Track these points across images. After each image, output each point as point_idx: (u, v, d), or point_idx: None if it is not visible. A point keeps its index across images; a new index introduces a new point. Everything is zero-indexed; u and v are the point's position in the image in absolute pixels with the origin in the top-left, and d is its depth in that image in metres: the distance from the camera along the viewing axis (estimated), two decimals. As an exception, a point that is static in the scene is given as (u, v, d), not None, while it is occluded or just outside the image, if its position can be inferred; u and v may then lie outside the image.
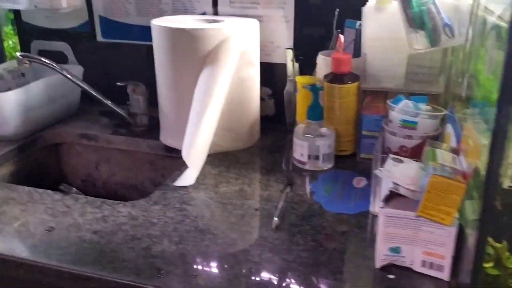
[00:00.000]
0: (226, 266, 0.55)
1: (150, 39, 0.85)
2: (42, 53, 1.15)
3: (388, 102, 0.74)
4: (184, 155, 0.76)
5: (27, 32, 1.14)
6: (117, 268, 0.54)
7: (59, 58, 1.11)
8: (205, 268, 0.55)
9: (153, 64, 0.87)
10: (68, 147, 1.01)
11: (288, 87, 0.95)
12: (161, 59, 0.85)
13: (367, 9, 0.78)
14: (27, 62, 0.88)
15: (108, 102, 0.97)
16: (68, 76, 0.92)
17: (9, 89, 1.05)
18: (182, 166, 0.78)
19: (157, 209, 0.67)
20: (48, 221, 0.64)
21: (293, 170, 0.81)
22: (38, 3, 0.99)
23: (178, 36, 0.81)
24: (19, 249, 0.58)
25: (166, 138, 0.91)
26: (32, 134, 0.95)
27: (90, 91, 0.95)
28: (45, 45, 1.13)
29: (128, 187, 1.02)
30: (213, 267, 0.55)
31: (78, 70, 1.06)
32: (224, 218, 0.66)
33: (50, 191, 0.72)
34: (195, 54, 0.81)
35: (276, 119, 1.02)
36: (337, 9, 0.83)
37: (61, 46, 1.12)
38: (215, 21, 0.90)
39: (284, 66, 0.97)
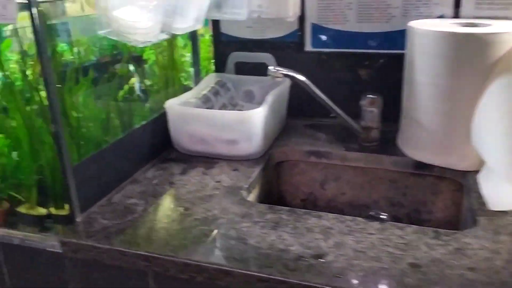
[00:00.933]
0: None
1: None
2: (239, 64, 1.10)
3: None
4: (509, 176, 0.67)
5: (224, 43, 1.09)
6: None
7: (259, 70, 1.05)
8: None
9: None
10: (291, 164, 0.95)
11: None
12: (427, 67, 0.77)
13: None
14: (280, 75, 0.81)
15: (346, 116, 0.90)
16: (317, 91, 0.87)
17: (224, 104, 1.00)
18: (467, 186, 0.69)
19: (507, 239, 0.59)
20: (401, 256, 0.56)
21: None
22: (262, 13, 0.94)
23: (462, 41, 0.73)
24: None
25: (424, 154, 0.83)
26: (265, 153, 0.89)
27: (331, 104, 0.88)
28: (245, 56, 1.08)
29: (356, 206, 0.94)
30: None
31: (286, 82, 1.00)
32: None
33: (360, 218, 0.65)
34: (482, 61, 0.73)
35: None
36: None
37: (264, 57, 1.06)
38: (471, 24, 0.81)
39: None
